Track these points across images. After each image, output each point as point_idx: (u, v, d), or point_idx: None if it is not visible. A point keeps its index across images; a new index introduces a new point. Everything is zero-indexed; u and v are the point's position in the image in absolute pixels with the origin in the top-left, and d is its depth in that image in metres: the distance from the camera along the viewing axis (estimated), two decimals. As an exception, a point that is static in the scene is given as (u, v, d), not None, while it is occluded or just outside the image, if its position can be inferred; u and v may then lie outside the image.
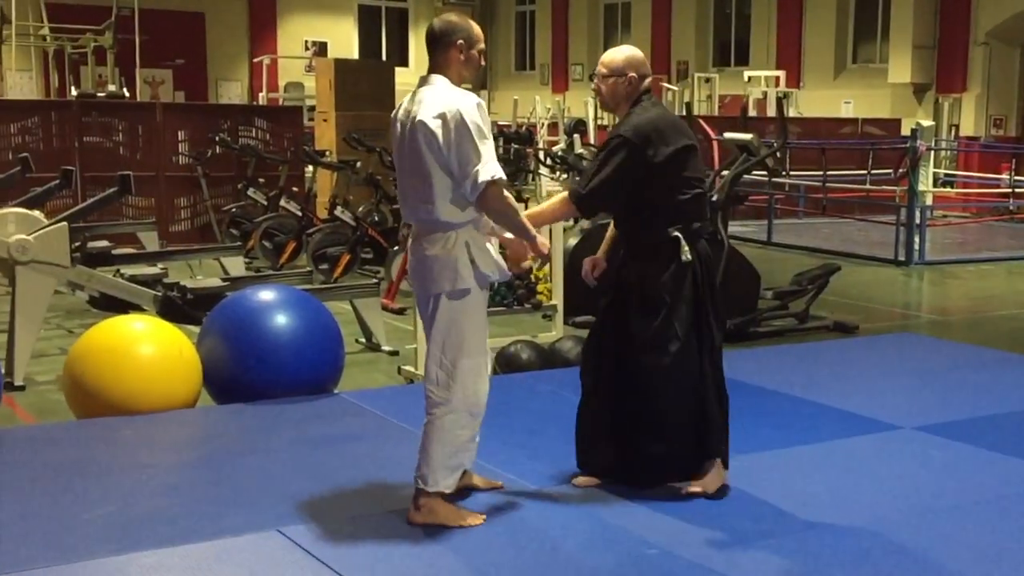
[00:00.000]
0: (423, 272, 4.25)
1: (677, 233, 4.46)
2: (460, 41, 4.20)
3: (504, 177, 4.14)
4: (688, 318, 4.49)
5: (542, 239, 4.34)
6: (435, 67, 4.25)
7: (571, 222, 10.88)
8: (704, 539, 4.14)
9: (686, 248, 4.45)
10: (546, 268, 7.21)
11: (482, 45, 4.30)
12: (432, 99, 4.13)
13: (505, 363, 6.74)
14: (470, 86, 4.43)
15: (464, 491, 4.53)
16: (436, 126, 4.08)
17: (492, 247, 4.32)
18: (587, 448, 4.73)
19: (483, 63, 4.37)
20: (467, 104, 4.10)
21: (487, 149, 4.10)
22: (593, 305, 4.92)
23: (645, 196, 4.49)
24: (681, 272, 4.47)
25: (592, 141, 17.30)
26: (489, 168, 4.07)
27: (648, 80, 4.62)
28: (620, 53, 4.62)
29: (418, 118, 4.12)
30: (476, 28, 4.28)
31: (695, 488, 4.55)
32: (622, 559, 3.98)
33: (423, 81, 4.25)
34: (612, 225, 4.79)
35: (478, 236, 4.24)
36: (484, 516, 4.29)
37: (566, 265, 7.48)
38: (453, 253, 4.19)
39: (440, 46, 4.22)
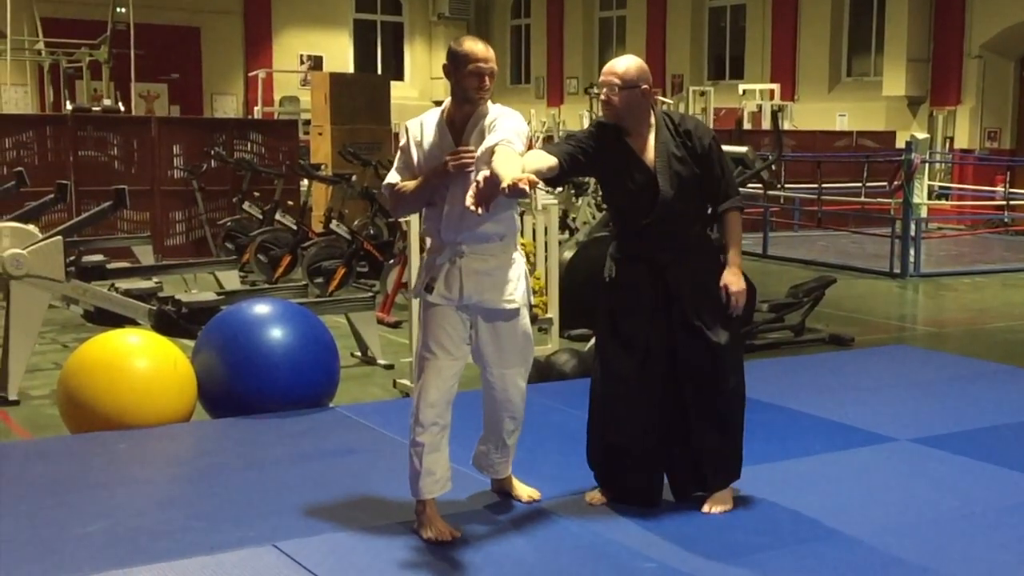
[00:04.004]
0: None
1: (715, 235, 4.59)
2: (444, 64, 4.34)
3: (390, 182, 4.30)
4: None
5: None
6: None
7: (566, 234, 10.88)
8: (700, 553, 4.14)
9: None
10: (542, 281, 7.21)
11: (471, 66, 4.23)
12: None
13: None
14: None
15: (502, 494, 4.67)
16: None
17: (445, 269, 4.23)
18: (644, 474, 4.59)
19: (479, 83, 4.26)
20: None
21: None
22: (591, 318, 4.88)
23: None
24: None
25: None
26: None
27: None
28: (631, 64, 4.43)
29: None
30: (463, 48, 4.28)
31: (724, 507, 4.55)
32: (618, 574, 3.97)
33: None
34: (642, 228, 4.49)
35: (431, 251, 4.34)
36: (459, 532, 4.22)
37: (562, 278, 7.48)
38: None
39: None
